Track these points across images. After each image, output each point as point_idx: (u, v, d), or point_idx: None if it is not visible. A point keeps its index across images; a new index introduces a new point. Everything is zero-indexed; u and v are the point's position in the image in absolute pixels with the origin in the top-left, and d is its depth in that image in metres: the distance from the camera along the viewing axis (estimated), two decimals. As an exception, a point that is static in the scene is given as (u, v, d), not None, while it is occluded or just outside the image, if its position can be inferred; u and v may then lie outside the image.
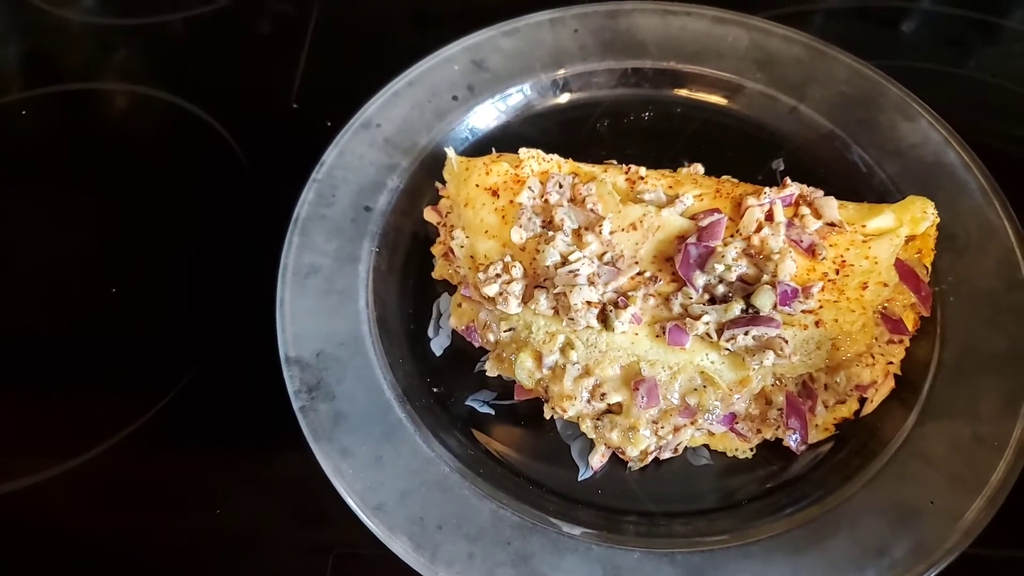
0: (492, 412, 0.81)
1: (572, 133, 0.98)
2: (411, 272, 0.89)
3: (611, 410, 0.77)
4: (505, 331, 0.81)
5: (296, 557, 0.76)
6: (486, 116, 0.98)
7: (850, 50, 0.98)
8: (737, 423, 0.76)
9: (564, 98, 1.00)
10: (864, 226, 0.81)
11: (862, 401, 0.78)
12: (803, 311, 0.76)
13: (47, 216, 1.00)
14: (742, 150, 0.94)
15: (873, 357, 0.77)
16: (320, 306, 0.83)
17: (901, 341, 0.79)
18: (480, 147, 0.96)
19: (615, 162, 0.90)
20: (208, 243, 0.97)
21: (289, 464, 0.79)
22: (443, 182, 0.92)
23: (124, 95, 1.13)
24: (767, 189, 0.81)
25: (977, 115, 0.96)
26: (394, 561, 0.70)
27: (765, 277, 0.76)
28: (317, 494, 0.74)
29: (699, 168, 0.90)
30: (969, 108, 0.98)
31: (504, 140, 0.96)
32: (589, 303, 0.77)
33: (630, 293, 0.77)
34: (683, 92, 0.99)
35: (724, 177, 0.87)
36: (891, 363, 0.78)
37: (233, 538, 0.78)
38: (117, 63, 1.18)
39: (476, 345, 0.84)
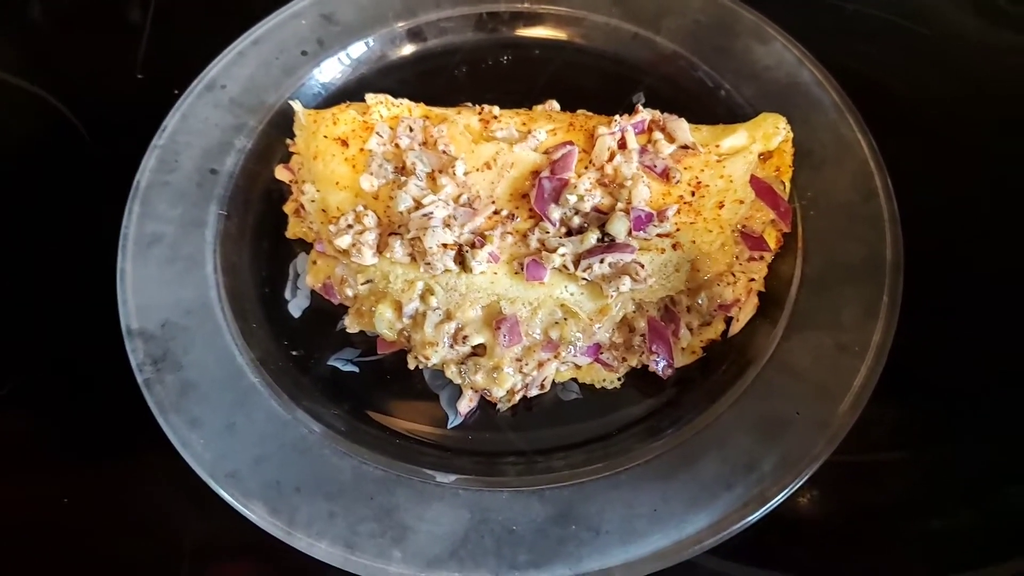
0: (356, 370, 0.78)
1: (431, 82, 0.95)
2: (264, 234, 0.85)
3: (476, 353, 0.74)
4: (363, 284, 0.78)
5: (149, 544, 0.72)
6: (338, 70, 0.94)
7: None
8: (602, 353, 0.75)
9: (420, 47, 0.97)
10: (718, 146, 0.80)
11: (729, 321, 0.77)
12: (659, 235, 0.75)
13: None
14: (602, 86, 0.93)
15: (735, 275, 0.77)
16: (164, 275, 0.78)
17: (762, 258, 0.78)
18: (335, 102, 0.91)
19: (470, 104, 0.87)
20: (49, 224, 0.91)
21: (138, 446, 0.75)
22: (294, 139, 0.88)
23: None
24: (618, 117, 0.80)
25: (831, 37, 0.97)
26: (257, 538, 0.66)
27: (619, 205, 0.75)
28: (176, 478, 0.70)
29: (554, 105, 0.88)
30: (824, 31, 0.98)
31: (360, 94, 0.91)
32: (445, 246, 0.74)
33: (487, 232, 0.75)
34: (540, 33, 0.97)
35: (579, 111, 0.86)
36: (753, 280, 0.77)
37: (81, 536, 0.72)
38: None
39: (335, 303, 0.80)
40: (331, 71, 0.94)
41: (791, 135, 0.82)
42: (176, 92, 0.93)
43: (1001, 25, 1.00)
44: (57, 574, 0.71)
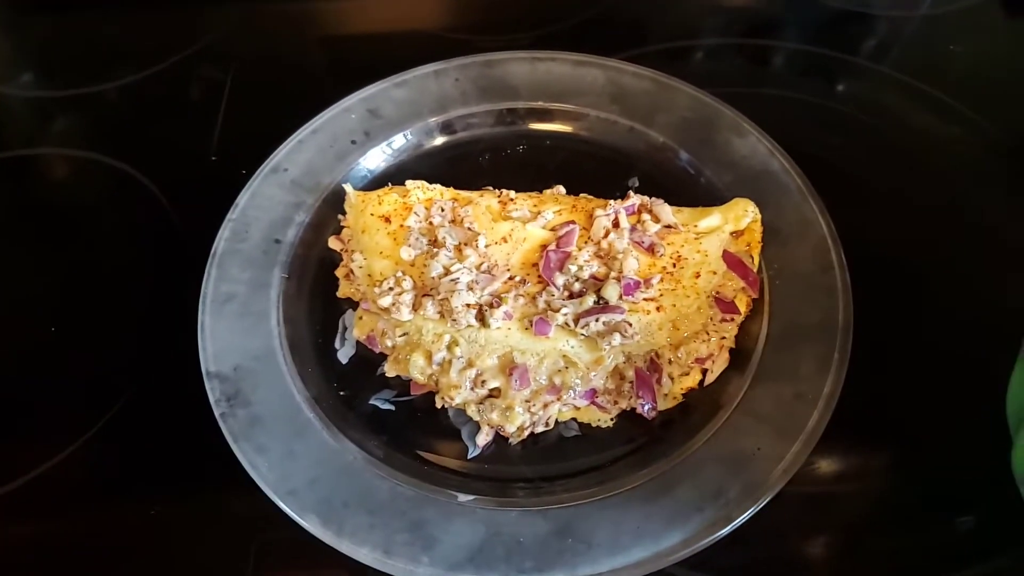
0: (393, 408, 0.93)
1: (459, 168, 1.12)
2: (318, 293, 1.01)
3: (491, 395, 0.89)
4: (400, 336, 0.93)
5: (220, 548, 0.86)
6: (381, 157, 1.12)
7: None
8: (597, 397, 0.89)
9: (450, 138, 1.15)
10: (696, 226, 0.96)
11: (704, 372, 0.91)
12: (645, 299, 0.90)
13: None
14: (603, 172, 1.09)
15: (708, 334, 0.91)
16: (236, 327, 0.94)
17: (733, 319, 0.93)
18: (379, 183, 1.09)
19: (491, 187, 1.04)
20: (137, 282, 1.07)
21: (214, 468, 0.88)
22: (344, 214, 1.05)
23: (58, 159, 1.25)
24: (612, 202, 0.96)
25: (801, 129, 1.13)
26: (311, 545, 0.80)
27: (612, 274, 0.90)
28: (241, 493, 0.84)
29: (561, 189, 1.04)
30: (796, 124, 1.14)
31: (399, 176, 1.09)
32: (468, 305, 0.90)
33: (503, 295, 0.91)
34: (551, 126, 1.14)
35: (582, 195, 1.02)
36: (724, 338, 0.91)
37: (166, 541, 0.86)
38: (53, 131, 1.31)
39: (376, 351, 0.96)
40: (375, 158, 1.11)
41: (759, 216, 0.97)
42: (244, 172, 1.11)
43: (947, 119, 1.17)
44: (143, 570, 0.86)
